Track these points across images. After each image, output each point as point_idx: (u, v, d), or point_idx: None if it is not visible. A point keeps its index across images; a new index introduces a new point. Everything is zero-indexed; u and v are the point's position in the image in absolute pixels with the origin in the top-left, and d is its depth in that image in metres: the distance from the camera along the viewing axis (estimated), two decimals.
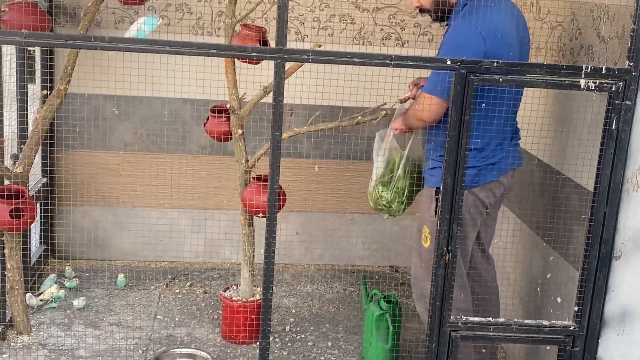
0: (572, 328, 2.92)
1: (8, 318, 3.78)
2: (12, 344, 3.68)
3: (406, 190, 3.41)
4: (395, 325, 3.64)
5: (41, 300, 4.10)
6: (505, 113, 2.97)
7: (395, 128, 3.35)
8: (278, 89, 2.71)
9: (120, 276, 4.43)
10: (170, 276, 4.62)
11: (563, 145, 3.32)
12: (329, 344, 3.93)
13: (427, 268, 3.05)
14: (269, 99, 3.80)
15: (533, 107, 3.16)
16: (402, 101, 3.45)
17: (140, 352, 3.70)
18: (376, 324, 3.66)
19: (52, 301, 4.08)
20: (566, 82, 2.72)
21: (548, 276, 3.35)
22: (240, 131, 3.72)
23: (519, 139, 3.25)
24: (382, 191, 3.41)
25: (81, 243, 4.67)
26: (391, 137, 3.45)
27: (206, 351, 3.70)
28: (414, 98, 3.37)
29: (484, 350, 3.29)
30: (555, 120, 3.42)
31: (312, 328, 4.10)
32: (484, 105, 2.88)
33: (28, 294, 3.96)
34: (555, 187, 3.29)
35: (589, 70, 2.69)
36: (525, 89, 3.15)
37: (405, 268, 5.04)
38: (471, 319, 2.95)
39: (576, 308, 2.90)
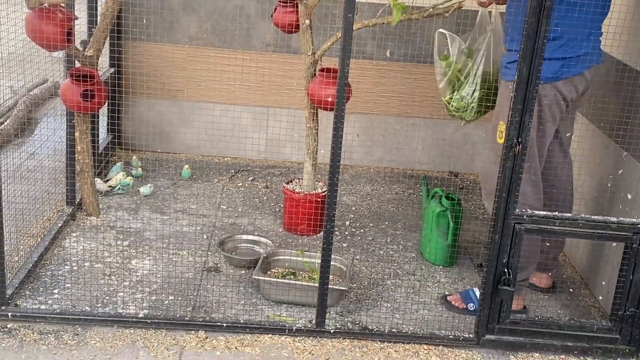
0: None
1: (78, 200, 3.91)
2: (81, 224, 3.82)
3: (477, 97, 3.34)
4: (456, 222, 3.64)
5: (109, 186, 4.22)
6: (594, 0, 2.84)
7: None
8: None
9: (185, 167, 4.52)
10: (232, 171, 4.70)
11: None
12: (388, 239, 3.97)
13: (498, 164, 3.01)
14: None
15: (615, 6, 3.03)
16: (481, 4, 3.34)
17: (205, 237, 3.80)
18: (436, 221, 3.68)
19: (119, 188, 4.21)
20: None
21: (620, 172, 3.28)
22: (307, 21, 3.68)
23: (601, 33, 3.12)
24: (450, 98, 3.35)
25: (147, 135, 4.77)
26: (457, 40, 3.39)
27: (269, 239, 3.77)
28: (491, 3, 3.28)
29: (548, 244, 3.26)
30: (637, 18, 3.27)
31: (371, 224, 4.14)
32: None
33: (97, 179, 4.09)
34: (633, 87, 3.17)
35: None
36: None
37: (466, 174, 5.01)
38: (537, 212, 2.93)
39: None
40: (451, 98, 3.46)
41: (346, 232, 4.02)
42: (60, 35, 3.12)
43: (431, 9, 3.51)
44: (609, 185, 3.37)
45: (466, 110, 3.44)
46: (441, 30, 3.50)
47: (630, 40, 3.30)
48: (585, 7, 2.85)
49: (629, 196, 3.18)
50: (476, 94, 3.40)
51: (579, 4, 2.83)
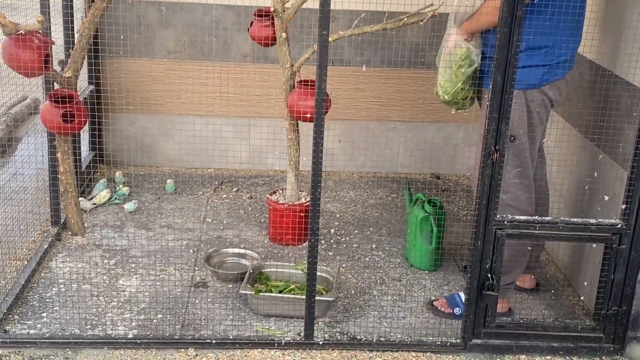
0: (619, 226, 2.94)
1: (62, 220, 3.92)
2: (67, 244, 3.82)
3: (467, 88, 3.30)
4: (439, 227, 3.69)
5: (93, 203, 4.23)
6: (570, 9, 2.89)
7: (465, 38, 3.20)
8: None
9: (169, 182, 4.53)
10: (216, 182, 4.72)
11: (616, 44, 3.24)
12: (373, 245, 4.01)
13: None
14: (310, 4, 3.79)
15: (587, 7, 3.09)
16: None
17: (191, 251, 3.82)
18: (420, 226, 3.72)
19: (116, 198, 4.26)
20: None
21: (595, 175, 3.34)
22: (284, 35, 3.71)
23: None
24: (462, 87, 3.25)
25: (129, 150, 4.78)
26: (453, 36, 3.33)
27: (255, 251, 3.80)
28: None
29: (529, 248, 3.32)
30: (608, 19, 3.33)
31: (356, 231, 4.18)
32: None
33: (81, 198, 4.09)
34: (607, 87, 3.23)
35: None
36: None
37: (448, 175, 5.06)
38: (517, 217, 2.98)
39: (624, 206, 2.91)
40: (462, 87, 3.30)
41: (332, 240, 4.05)
42: (38, 63, 3.12)
43: (405, 18, 3.55)
44: (586, 188, 3.43)
45: (470, 100, 3.34)
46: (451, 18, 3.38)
47: (602, 41, 3.36)
48: (563, 15, 2.89)
49: (606, 198, 3.24)
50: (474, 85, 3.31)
51: (557, 13, 2.88)
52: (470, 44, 3.12)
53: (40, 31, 3.17)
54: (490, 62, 3.08)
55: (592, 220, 2.97)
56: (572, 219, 2.99)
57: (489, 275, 3.00)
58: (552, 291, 3.61)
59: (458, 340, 3.13)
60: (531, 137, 3.09)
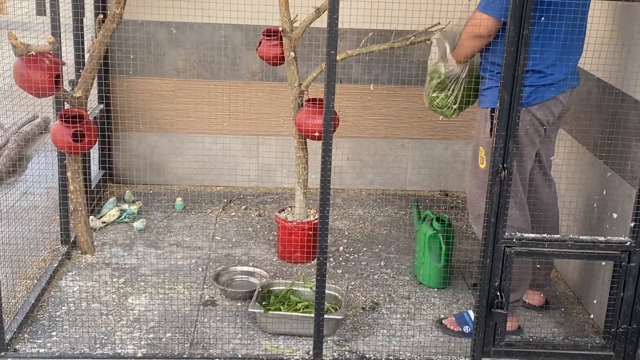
0: (628, 244, 2.92)
1: (72, 239, 3.94)
2: (76, 263, 3.84)
3: (459, 98, 3.35)
4: (447, 244, 3.68)
5: (103, 222, 4.25)
6: (566, 27, 2.90)
7: (457, 62, 3.26)
8: (333, 6, 2.70)
9: (178, 200, 4.55)
10: (225, 200, 4.74)
11: (623, 62, 3.25)
12: (382, 263, 4.01)
13: (483, 189, 3.06)
14: (318, 23, 3.82)
15: (593, 25, 3.10)
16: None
17: (200, 270, 3.83)
18: (429, 244, 3.72)
19: (125, 216, 4.27)
20: None
21: (604, 192, 3.33)
22: (292, 54, 3.73)
23: (579, 56, 3.17)
24: (436, 96, 3.34)
25: (138, 168, 4.81)
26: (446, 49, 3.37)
27: (264, 269, 3.81)
28: None
29: (538, 266, 3.31)
30: (615, 36, 3.34)
31: (364, 249, 4.18)
32: (543, 19, 2.82)
33: (91, 217, 4.12)
34: (614, 105, 3.23)
35: None
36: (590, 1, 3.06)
37: (456, 192, 5.06)
38: (526, 235, 2.97)
39: (632, 224, 2.90)
40: (438, 96, 3.40)
41: (340, 258, 4.05)
42: (49, 83, 3.16)
43: (413, 37, 3.57)
44: (594, 205, 3.42)
45: (449, 108, 3.42)
46: (440, 37, 3.44)
47: (609, 58, 3.36)
48: (549, 40, 2.90)
49: (615, 215, 3.23)
50: (459, 97, 3.38)
51: (542, 38, 2.89)
52: (440, 64, 3.25)
53: (51, 52, 3.21)
54: (486, 82, 3.12)
55: (601, 238, 2.96)
56: (581, 237, 2.98)
57: (498, 293, 2.99)
58: (562, 309, 3.59)
59: (468, 359, 3.11)
60: (519, 156, 3.07)
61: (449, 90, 3.31)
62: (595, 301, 3.44)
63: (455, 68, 3.24)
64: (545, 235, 2.99)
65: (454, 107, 3.33)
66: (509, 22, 2.69)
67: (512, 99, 2.79)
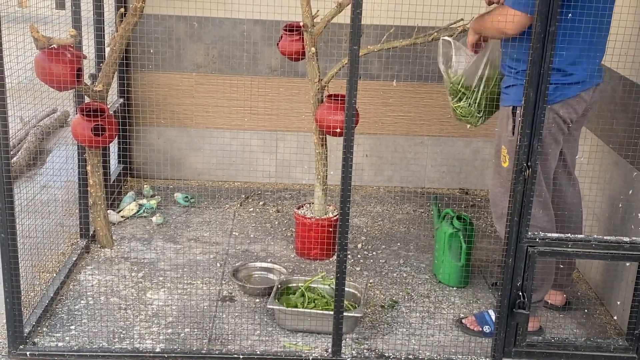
0: None
1: (91, 233, 3.94)
2: (95, 256, 3.84)
3: (483, 107, 3.33)
4: (468, 243, 3.64)
5: (122, 216, 4.25)
6: (592, 24, 2.85)
7: (469, 43, 3.25)
8: (357, 0, 2.67)
9: (177, 195, 4.57)
10: (243, 195, 4.72)
11: None
12: (401, 261, 3.98)
13: (506, 187, 3.02)
14: (339, 19, 3.79)
15: (617, 22, 3.05)
16: (488, 3, 3.29)
17: (218, 265, 3.82)
18: (449, 242, 3.68)
19: (144, 211, 4.29)
20: None
21: (630, 192, 3.28)
22: (313, 49, 3.71)
23: (603, 54, 3.12)
24: (457, 105, 3.33)
25: (157, 163, 4.80)
26: (463, 49, 3.35)
27: (282, 265, 3.79)
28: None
29: (561, 266, 3.26)
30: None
31: (383, 246, 4.15)
32: (570, 15, 2.77)
33: (110, 211, 4.12)
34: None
35: None
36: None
37: (476, 190, 5.02)
38: (549, 235, 2.93)
39: None
40: (458, 105, 3.40)
41: (359, 255, 4.03)
42: (71, 76, 3.15)
43: (435, 33, 3.53)
44: (620, 205, 3.37)
45: (472, 116, 3.40)
46: (445, 37, 3.43)
47: (636, 56, 3.31)
48: (568, 37, 2.85)
49: None
50: (482, 104, 3.34)
51: (568, 35, 2.84)
52: (446, 71, 3.26)
53: (72, 45, 3.20)
54: (508, 80, 3.08)
55: (626, 239, 2.91)
56: (605, 237, 2.93)
57: (520, 293, 2.95)
58: (585, 310, 3.54)
59: (488, 359, 3.08)
60: (543, 153, 3.02)
61: (469, 98, 3.28)
62: (618, 302, 3.39)
63: (463, 64, 3.21)
64: (569, 235, 2.94)
65: (479, 115, 3.29)
66: (536, 17, 2.65)
67: (538, 96, 2.75)
